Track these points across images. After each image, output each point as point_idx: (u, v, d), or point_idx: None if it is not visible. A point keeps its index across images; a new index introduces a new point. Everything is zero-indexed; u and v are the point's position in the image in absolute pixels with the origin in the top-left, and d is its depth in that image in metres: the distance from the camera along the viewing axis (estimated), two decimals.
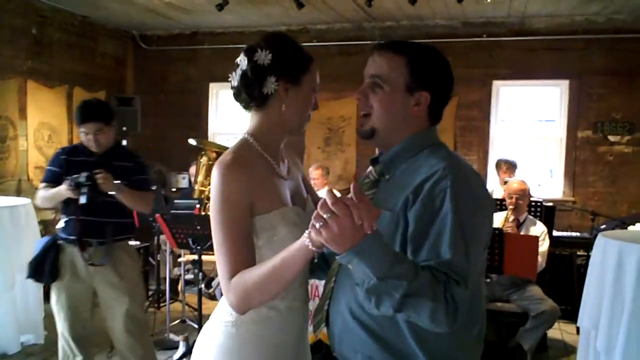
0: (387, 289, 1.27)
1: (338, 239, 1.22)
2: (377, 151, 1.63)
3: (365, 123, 1.56)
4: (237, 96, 1.65)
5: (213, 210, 1.53)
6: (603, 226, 5.48)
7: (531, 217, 4.66)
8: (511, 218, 4.53)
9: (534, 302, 4.31)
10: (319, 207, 1.23)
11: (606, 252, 2.96)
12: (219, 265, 1.51)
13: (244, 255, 1.49)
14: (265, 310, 1.60)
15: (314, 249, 1.30)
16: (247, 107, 1.66)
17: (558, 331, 5.20)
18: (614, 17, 6.26)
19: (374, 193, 1.56)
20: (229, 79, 1.64)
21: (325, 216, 1.22)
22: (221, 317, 1.63)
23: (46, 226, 6.36)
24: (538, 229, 4.54)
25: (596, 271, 3.08)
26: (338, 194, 1.23)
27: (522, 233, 4.41)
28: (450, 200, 1.36)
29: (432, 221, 1.36)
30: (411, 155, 1.53)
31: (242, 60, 1.61)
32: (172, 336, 4.75)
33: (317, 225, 1.23)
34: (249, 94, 1.62)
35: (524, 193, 4.53)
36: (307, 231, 1.29)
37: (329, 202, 1.21)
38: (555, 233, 5.66)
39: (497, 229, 3.85)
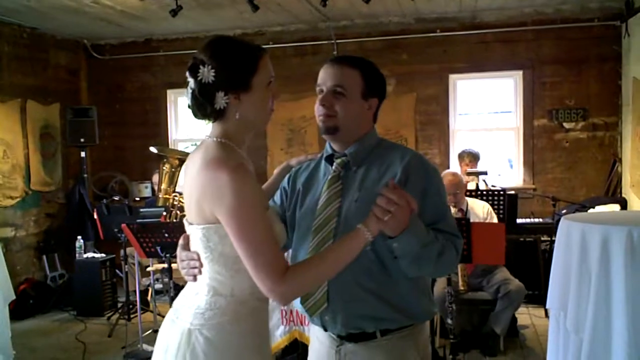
0: (428, 253, 1.70)
1: (401, 225, 1.60)
2: (327, 150, 1.95)
3: (329, 121, 1.86)
4: (194, 114, 1.69)
5: (238, 215, 1.54)
6: (564, 211, 5.62)
7: (469, 199, 4.73)
8: (454, 211, 4.55)
9: (500, 284, 4.44)
10: (383, 202, 1.56)
11: (570, 234, 3.03)
12: (258, 266, 1.55)
13: (278, 250, 1.62)
14: (240, 307, 1.67)
15: (370, 238, 1.59)
16: (202, 119, 1.70)
17: (527, 316, 5.32)
18: (562, 7, 6.43)
19: (341, 184, 1.87)
20: (185, 97, 1.70)
21: (391, 209, 1.56)
22: (187, 322, 1.67)
23: (6, 243, 6.21)
24: (481, 206, 4.65)
25: (561, 253, 3.16)
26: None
27: (470, 219, 4.45)
28: (430, 175, 1.84)
29: (426, 192, 1.78)
30: (372, 148, 1.90)
31: (189, 80, 1.64)
32: (145, 347, 4.69)
33: (385, 218, 1.57)
34: (203, 112, 1.67)
35: (458, 185, 4.58)
36: (360, 224, 1.59)
37: (394, 197, 1.56)
38: (518, 220, 5.80)
39: (464, 219, 3.91)
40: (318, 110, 1.87)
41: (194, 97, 1.65)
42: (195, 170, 1.63)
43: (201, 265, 1.67)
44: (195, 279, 1.70)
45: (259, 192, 1.65)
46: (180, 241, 1.78)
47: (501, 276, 4.51)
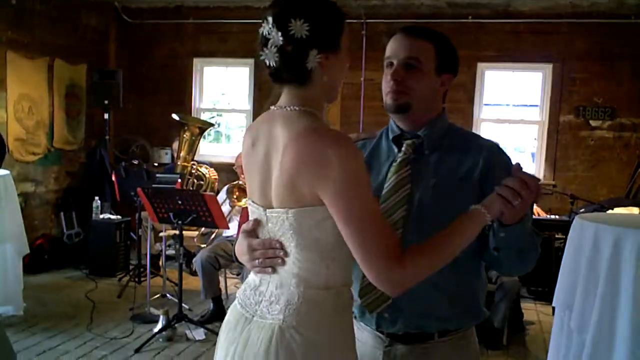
0: (529, 247, 1.63)
1: (523, 212, 1.48)
2: (394, 129, 1.77)
3: (401, 97, 1.70)
4: (277, 75, 1.46)
5: (350, 191, 1.34)
6: (582, 210, 5.54)
7: None
8: None
9: (496, 276, 4.45)
10: (516, 184, 1.42)
11: (582, 234, 2.99)
12: (373, 249, 1.34)
13: (393, 230, 1.46)
14: (337, 299, 1.48)
15: (489, 221, 1.46)
16: (286, 84, 1.48)
17: (534, 312, 5.30)
18: (598, 1, 6.28)
19: (409, 169, 1.69)
20: (261, 57, 1.43)
21: (522, 192, 1.42)
22: (276, 319, 1.45)
23: (26, 198, 6.32)
24: None
25: (572, 252, 3.12)
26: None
27: None
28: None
29: None
30: (444, 132, 1.77)
31: (272, 34, 1.41)
32: (152, 310, 4.77)
33: (513, 199, 1.42)
34: (292, 72, 1.44)
35: None
36: (477, 205, 1.45)
37: (529, 181, 1.42)
38: (534, 216, 5.73)
39: None
40: (387, 85, 1.71)
41: (282, 54, 1.41)
42: (278, 146, 1.42)
43: (285, 254, 1.45)
44: (274, 270, 1.48)
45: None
46: (246, 227, 1.54)
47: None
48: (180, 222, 4.19)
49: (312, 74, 1.44)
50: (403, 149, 1.73)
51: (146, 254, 5.22)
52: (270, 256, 1.47)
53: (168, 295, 5.06)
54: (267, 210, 1.47)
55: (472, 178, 1.68)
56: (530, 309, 5.30)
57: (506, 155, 1.75)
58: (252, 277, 1.56)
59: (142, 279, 5.52)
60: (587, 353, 2.81)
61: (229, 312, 1.60)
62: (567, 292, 3.06)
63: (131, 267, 5.97)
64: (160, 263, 5.65)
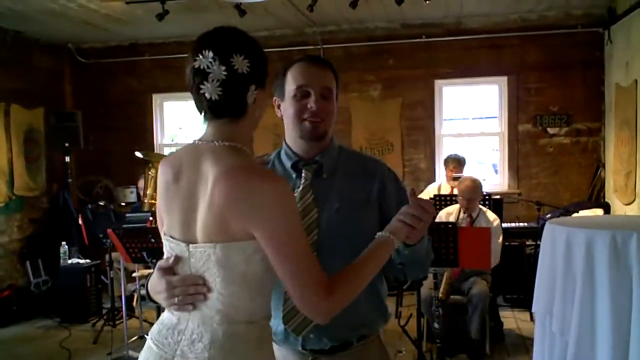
0: (428, 256, 1.81)
1: (423, 232, 1.65)
2: (290, 156, 1.86)
3: (321, 126, 1.80)
4: (216, 109, 1.47)
5: (284, 224, 1.39)
6: (548, 215, 5.67)
7: (483, 208, 4.77)
8: (462, 216, 4.63)
9: (468, 288, 4.51)
10: (416, 210, 1.57)
11: (555, 238, 3.06)
12: (306, 283, 1.40)
13: (319, 264, 1.46)
14: (261, 332, 1.51)
15: (396, 246, 1.58)
16: (221, 117, 1.49)
17: (513, 320, 5.36)
18: (546, 14, 6.51)
19: (312, 194, 1.79)
20: (200, 91, 1.44)
21: (423, 217, 1.57)
22: (201, 357, 1.44)
23: None
24: (491, 218, 4.68)
25: (546, 257, 3.18)
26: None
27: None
28: (402, 185, 1.90)
29: (401, 202, 1.71)
30: (338, 154, 1.88)
31: (213, 68, 1.42)
32: (131, 353, 4.65)
33: (417, 225, 1.57)
34: (233, 106, 1.47)
35: (473, 191, 4.62)
36: (382, 232, 1.57)
37: (425, 206, 1.58)
38: (504, 225, 5.83)
39: (451, 223, 3.93)
40: (305, 113, 1.77)
41: (225, 88, 1.42)
42: (206, 180, 1.42)
43: (208, 290, 1.43)
44: (194, 307, 1.45)
45: None
46: (163, 264, 1.51)
47: (471, 280, 4.57)
48: (154, 260, 4.13)
49: (248, 108, 1.49)
50: (303, 174, 1.82)
51: (120, 296, 5.11)
52: (191, 292, 1.44)
53: (146, 336, 4.95)
54: (190, 245, 1.44)
55: (371, 200, 1.83)
56: (508, 317, 5.36)
57: (393, 172, 1.93)
58: (168, 316, 1.52)
59: (118, 321, 5.39)
60: (570, 354, 2.86)
61: (142, 353, 1.55)
62: (546, 297, 3.12)
63: (104, 310, 5.83)
64: (135, 304, 5.54)
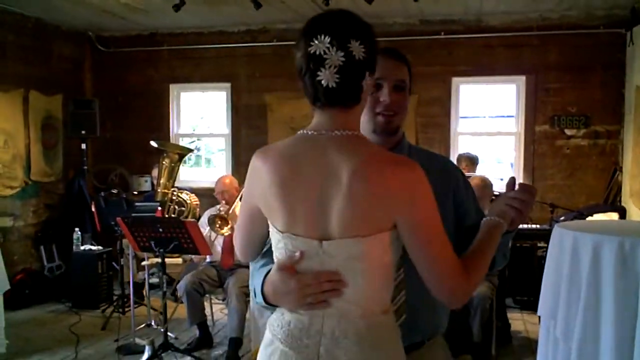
0: (508, 245, 1.84)
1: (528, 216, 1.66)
2: None
3: (393, 120, 1.77)
4: (333, 96, 1.40)
5: (431, 210, 1.39)
6: (562, 218, 5.60)
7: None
8: None
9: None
10: (523, 195, 1.59)
11: (562, 242, 3.02)
12: (449, 267, 1.40)
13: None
14: (391, 321, 1.52)
15: (504, 229, 1.58)
16: (336, 104, 1.42)
17: (521, 322, 5.31)
18: (567, 13, 6.41)
19: None
20: (319, 78, 1.38)
21: (530, 201, 1.59)
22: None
23: (5, 233, 6.23)
24: None
25: (553, 261, 3.15)
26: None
27: None
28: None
29: (466, 200, 1.85)
30: (409, 150, 1.85)
31: (329, 53, 1.37)
32: (137, 340, 4.69)
33: (525, 209, 1.58)
34: (351, 93, 1.42)
35: (482, 191, 4.56)
36: (490, 216, 1.59)
37: (532, 190, 1.61)
38: None
39: None
40: (378, 106, 1.74)
41: (343, 75, 1.37)
42: (339, 173, 1.36)
43: (343, 285, 1.39)
44: (328, 305, 1.40)
45: None
46: (285, 264, 1.44)
47: None
48: (162, 250, 4.16)
49: (362, 95, 1.45)
50: None
51: (129, 283, 5.16)
52: (326, 289, 1.39)
53: (153, 324, 5.00)
54: (324, 242, 1.38)
55: (449, 198, 1.82)
56: (517, 319, 5.32)
57: (461, 170, 1.97)
58: (295, 317, 1.45)
59: (127, 309, 5.45)
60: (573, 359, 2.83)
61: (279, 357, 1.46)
62: (551, 301, 3.09)
63: (114, 297, 5.89)
64: (144, 292, 5.59)
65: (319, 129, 1.43)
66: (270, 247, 1.54)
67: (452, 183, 1.83)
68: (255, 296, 1.56)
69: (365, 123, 1.73)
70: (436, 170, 1.73)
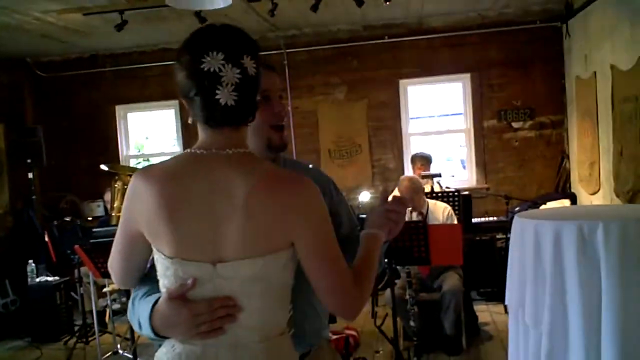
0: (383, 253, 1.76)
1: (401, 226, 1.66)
2: None
3: (286, 135, 1.74)
4: (230, 115, 1.36)
5: (325, 226, 1.39)
6: (517, 208, 5.74)
7: (430, 201, 4.77)
8: (414, 215, 4.53)
9: (440, 285, 4.53)
10: (397, 206, 1.62)
11: (523, 232, 3.09)
12: (343, 283, 1.39)
13: None
14: (290, 341, 1.50)
15: (383, 240, 1.60)
16: (234, 123, 1.38)
17: (487, 313, 5.41)
18: (504, 11, 6.60)
19: None
20: (217, 97, 1.33)
21: (403, 212, 1.63)
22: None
23: None
24: (441, 209, 4.70)
25: (516, 251, 3.21)
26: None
27: (430, 222, 4.47)
28: None
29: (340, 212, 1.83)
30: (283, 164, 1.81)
31: (225, 71, 1.32)
32: None
33: (399, 220, 1.61)
34: (247, 110, 1.38)
35: (415, 190, 4.60)
36: (368, 229, 1.58)
37: (402, 201, 1.65)
38: (473, 220, 5.90)
39: (421, 221, 3.95)
40: (275, 118, 1.67)
41: (240, 92, 1.33)
42: (234, 192, 1.32)
43: (238, 309, 1.33)
44: (223, 332, 1.34)
45: None
46: (175, 293, 1.34)
47: (442, 277, 4.60)
48: None
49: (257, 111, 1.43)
50: None
51: (91, 312, 5.02)
52: (221, 316, 1.32)
53: (120, 351, 4.87)
54: (218, 265, 1.32)
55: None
56: (483, 311, 5.41)
57: (333, 181, 1.93)
58: (187, 348, 1.36)
59: (90, 338, 5.30)
60: (545, 345, 2.89)
61: None
62: (518, 289, 3.15)
63: (76, 328, 5.72)
64: (107, 319, 5.44)
65: (209, 148, 1.37)
66: (149, 273, 1.49)
67: (327, 195, 1.72)
68: (140, 329, 1.45)
69: (257, 140, 1.64)
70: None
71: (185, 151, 1.40)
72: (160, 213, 1.33)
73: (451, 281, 4.52)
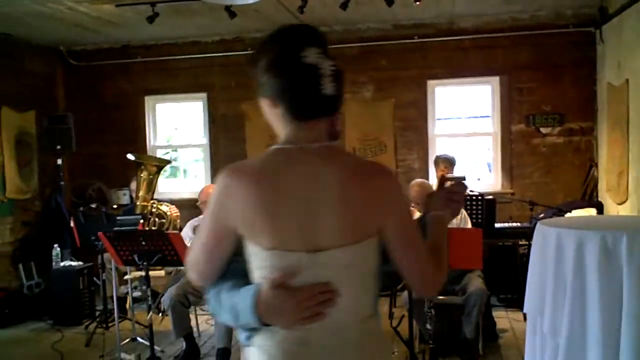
0: None
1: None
2: None
3: (338, 125, 1.73)
4: (332, 106, 1.45)
5: (409, 214, 1.53)
6: (541, 215, 5.67)
7: None
8: None
9: (464, 288, 4.49)
10: (458, 188, 1.68)
11: (545, 239, 3.05)
12: (429, 264, 1.50)
13: None
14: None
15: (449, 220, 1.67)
16: (330, 114, 1.47)
17: (506, 320, 5.36)
18: (537, 14, 6.51)
19: None
20: (321, 88, 1.39)
21: (463, 193, 1.69)
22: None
23: None
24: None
25: (537, 258, 3.18)
26: None
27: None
28: None
29: None
30: None
31: (323, 64, 1.39)
32: (123, 355, 4.63)
33: (460, 199, 1.67)
34: (340, 100, 1.46)
35: (426, 194, 4.57)
36: (433, 212, 1.63)
37: (462, 184, 1.70)
38: (496, 225, 5.84)
39: None
40: None
41: (336, 82, 1.41)
42: (330, 183, 1.39)
43: (337, 294, 1.40)
44: (324, 316, 1.40)
45: None
46: (279, 281, 1.39)
47: (466, 280, 4.56)
48: (145, 263, 4.11)
49: None
50: None
51: (112, 298, 5.09)
52: (322, 301, 1.39)
53: (138, 338, 4.94)
54: (315, 253, 1.39)
55: None
56: (502, 317, 5.36)
57: None
58: (290, 334, 1.42)
59: (110, 324, 5.38)
60: (562, 356, 2.86)
61: None
62: (537, 297, 3.12)
63: (97, 313, 5.81)
64: (128, 306, 5.52)
65: (296, 142, 1.43)
66: (227, 269, 1.52)
67: None
68: (236, 319, 1.48)
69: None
70: None
71: (273, 147, 1.45)
72: (258, 208, 1.39)
73: (477, 284, 4.47)
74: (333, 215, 1.38)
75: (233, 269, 1.52)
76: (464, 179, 1.75)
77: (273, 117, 1.47)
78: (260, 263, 1.44)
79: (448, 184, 1.73)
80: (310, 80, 1.39)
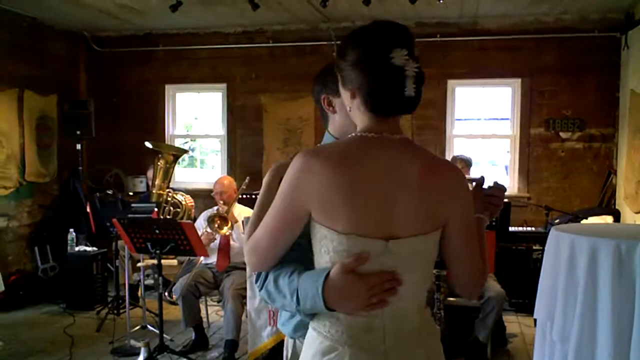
0: None
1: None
2: None
3: None
4: (408, 106, 1.47)
5: (471, 208, 1.57)
6: (557, 220, 5.62)
7: None
8: None
9: (486, 291, 4.44)
10: (496, 191, 1.73)
11: (559, 245, 3.03)
12: (483, 260, 1.58)
13: None
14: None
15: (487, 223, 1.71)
16: (411, 112, 1.49)
17: (517, 324, 5.32)
18: (562, 17, 6.44)
19: None
20: (404, 90, 1.42)
21: (501, 196, 1.73)
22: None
23: None
24: None
25: (550, 264, 3.16)
26: None
27: None
28: None
29: None
30: None
31: (408, 65, 1.41)
32: (132, 342, 4.68)
33: (500, 203, 1.72)
34: (418, 101, 1.48)
35: None
36: (480, 214, 1.67)
37: (502, 187, 1.75)
38: (511, 228, 5.80)
39: None
40: None
41: (417, 84, 1.43)
42: (407, 173, 1.42)
43: (399, 283, 1.42)
44: (387, 304, 1.43)
45: None
46: (350, 266, 1.40)
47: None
48: (158, 251, 4.14)
49: None
50: None
51: (124, 285, 5.14)
52: (387, 288, 1.41)
53: (149, 326, 4.98)
54: (390, 241, 1.41)
55: None
56: (512, 322, 5.33)
57: None
58: (354, 320, 1.45)
59: (121, 310, 5.43)
60: None
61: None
62: (548, 303, 3.09)
63: (109, 299, 5.87)
64: (139, 293, 5.57)
65: (379, 132, 1.46)
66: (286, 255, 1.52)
67: None
68: (301, 304, 1.47)
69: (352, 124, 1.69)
70: None
71: (356, 134, 1.48)
72: (337, 191, 1.40)
73: (496, 288, 4.43)
74: (410, 205, 1.42)
75: (289, 257, 1.53)
76: (482, 180, 1.74)
77: (351, 106, 1.51)
78: (333, 247, 1.43)
79: (495, 186, 1.77)
80: (395, 82, 1.41)
